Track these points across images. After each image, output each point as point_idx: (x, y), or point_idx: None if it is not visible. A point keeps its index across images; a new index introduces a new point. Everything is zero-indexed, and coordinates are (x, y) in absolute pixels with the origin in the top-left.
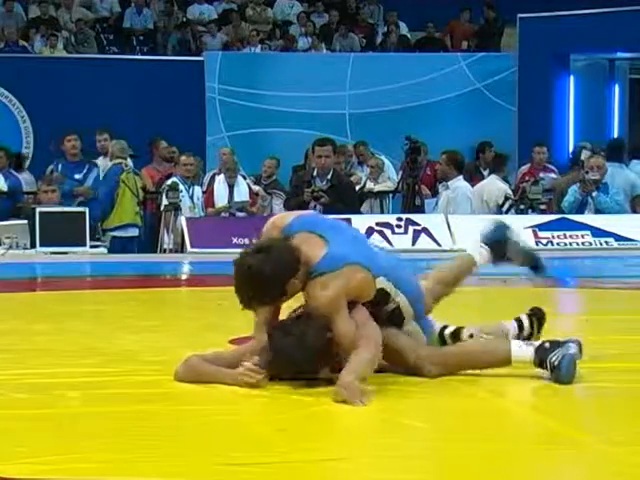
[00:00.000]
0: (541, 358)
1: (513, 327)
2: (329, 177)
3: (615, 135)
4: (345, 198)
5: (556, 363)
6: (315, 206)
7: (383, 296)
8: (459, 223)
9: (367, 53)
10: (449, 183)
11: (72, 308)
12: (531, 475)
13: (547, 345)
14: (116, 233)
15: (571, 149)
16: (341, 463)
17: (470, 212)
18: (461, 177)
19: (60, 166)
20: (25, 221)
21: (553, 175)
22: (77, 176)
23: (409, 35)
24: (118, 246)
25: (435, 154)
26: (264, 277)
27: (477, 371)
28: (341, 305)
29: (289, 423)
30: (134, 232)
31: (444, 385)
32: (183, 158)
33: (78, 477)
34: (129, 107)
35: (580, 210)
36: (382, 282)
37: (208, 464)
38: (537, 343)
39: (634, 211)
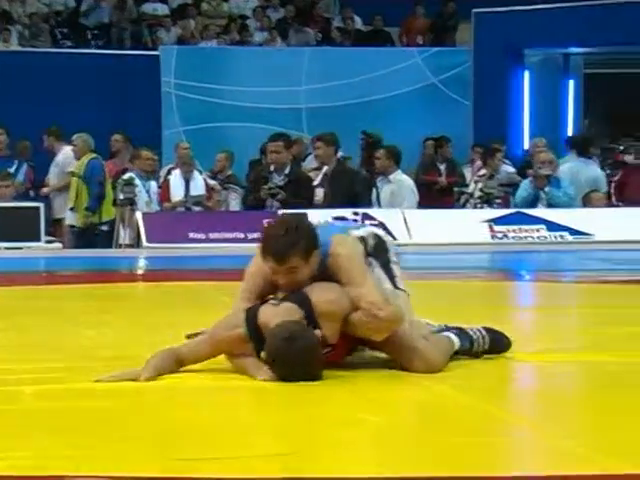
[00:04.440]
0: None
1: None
2: (286, 172)
3: (569, 130)
4: (302, 193)
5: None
6: (272, 203)
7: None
8: (413, 217)
9: (323, 47)
10: (390, 177)
11: (27, 304)
12: (471, 465)
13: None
14: (105, 228)
15: (527, 144)
16: (292, 457)
17: (415, 205)
18: (400, 170)
19: None
20: None
21: (510, 170)
22: (9, 170)
23: (364, 29)
24: (106, 241)
25: None
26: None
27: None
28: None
29: (242, 417)
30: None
31: (404, 379)
32: (144, 153)
33: (30, 473)
34: (84, 101)
35: (533, 204)
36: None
37: (161, 459)
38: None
39: (584, 206)
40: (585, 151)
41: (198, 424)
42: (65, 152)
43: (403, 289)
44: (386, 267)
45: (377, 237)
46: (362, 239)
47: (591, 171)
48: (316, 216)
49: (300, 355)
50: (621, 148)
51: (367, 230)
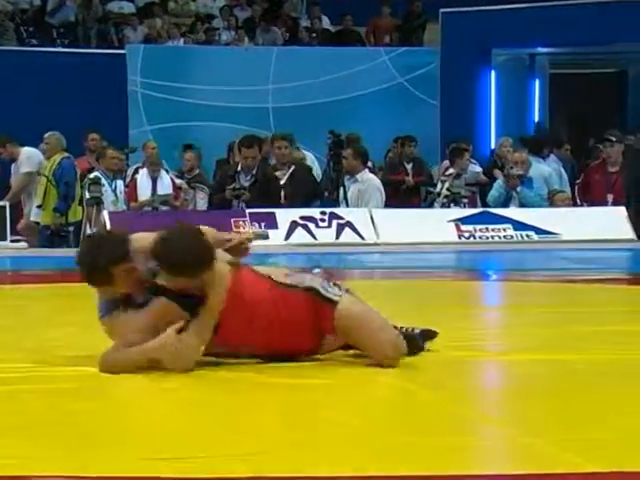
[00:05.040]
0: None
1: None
2: (253, 172)
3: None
4: (269, 193)
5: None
6: (238, 203)
7: None
8: (381, 216)
9: (291, 47)
10: (358, 176)
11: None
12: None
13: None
14: (71, 229)
15: (493, 143)
16: (260, 457)
17: (381, 204)
18: (367, 170)
19: None
20: None
21: (477, 169)
22: None
23: (332, 29)
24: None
25: None
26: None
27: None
28: None
29: (209, 416)
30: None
31: (374, 378)
32: (109, 152)
33: None
34: (50, 100)
35: (505, 205)
36: None
37: (131, 458)
38: None
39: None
40: (538, 150)
41: (164, 423)
42: (22, 154)
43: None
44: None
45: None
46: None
47: (543, 170)
48: (283, 215)
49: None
50: (601, 147)
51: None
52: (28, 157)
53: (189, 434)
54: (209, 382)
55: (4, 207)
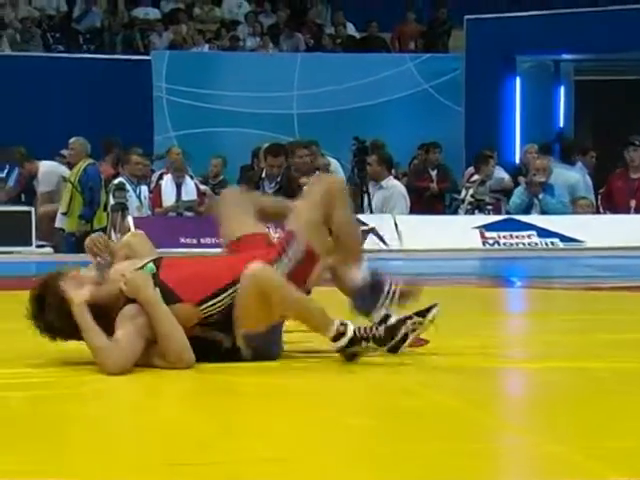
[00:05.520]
0: None
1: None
2: (278, 179)
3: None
4: (294, 197)
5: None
6: None
7: None
8: (405, 223)
9: (315, 53)
10: (382, 183)
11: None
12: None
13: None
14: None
15: (517, 150)
16: (284, 463)
17: (406, 210)
18: (391, 176)
19: None
20: None
21: (504, 176)
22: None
23: (357, 35)
24: None
25: None
26: None
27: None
28: None
29: (229, 421)
30: None
31: (392, 384)
32: (134, 157)
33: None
34: (76, 106)
35: (526, 211)
36: None
37: (154, 464)
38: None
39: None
40: (566, 157)
41: (186, 427)
42: (40, 171)
43: None
44: None
45: None
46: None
47: (570, 177)
48: None
49: None
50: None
51: None
52: (46, 174)
53: (212, 439)
54: (222, 387)
55: (29, 212)
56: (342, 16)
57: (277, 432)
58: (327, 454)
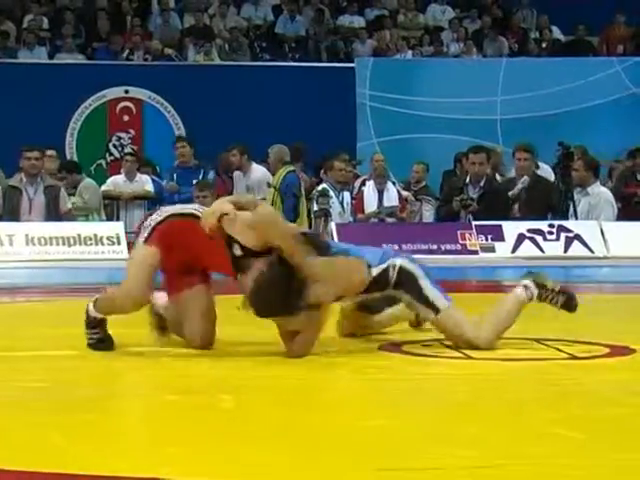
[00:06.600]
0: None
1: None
2: (481, 184)
3: None
4: (496, 205)
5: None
6: (465, 215)
7: None
8: (611, 230)
9: (519, 58)
10: (589, 189)
11: None
12: None
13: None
14: None
15: None
16: (496, 470)
17: (613, 217)
18: (598, 182)
19: (175, 175)
20: None
21: None
22: (195, 181)
23: (562, 39)
24: None
25: None
26: None
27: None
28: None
29: (436, 425)
30: None
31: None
32: (337, 164)
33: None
34: (281, 113)
35: None
36: None
37: (369, 469)
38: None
39: None
40: None
41: (387, 432)
42: (257, 172)
43: (446, 305)
44: (419, 296)
45: (401, 270)
46: (384, 271)
47: None
48: (511, 228)
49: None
50: None
51: (393, 262)
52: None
53: (413, 444)
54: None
55: None
56: (547, 20)
57: (483, 438)
58: (542, 463)
